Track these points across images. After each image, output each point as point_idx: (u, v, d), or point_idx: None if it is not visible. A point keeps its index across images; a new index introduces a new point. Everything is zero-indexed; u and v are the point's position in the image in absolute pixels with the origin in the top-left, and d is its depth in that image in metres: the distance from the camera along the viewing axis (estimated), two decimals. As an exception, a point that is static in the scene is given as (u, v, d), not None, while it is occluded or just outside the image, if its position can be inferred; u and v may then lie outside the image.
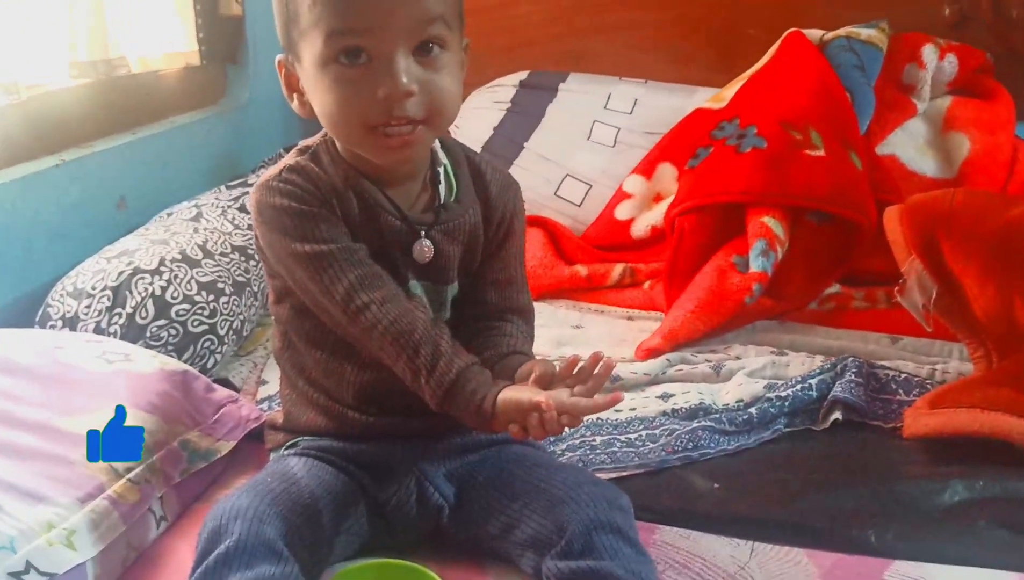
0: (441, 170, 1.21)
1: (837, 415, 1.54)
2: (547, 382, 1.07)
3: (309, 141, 1.21)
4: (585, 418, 1.45)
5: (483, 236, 1.25)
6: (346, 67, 1.08)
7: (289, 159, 1.19)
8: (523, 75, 2.70)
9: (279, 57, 1.17)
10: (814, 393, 1.58)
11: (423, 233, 1.18)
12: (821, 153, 2.05)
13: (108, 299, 1.63)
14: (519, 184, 1.31)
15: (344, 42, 1.07)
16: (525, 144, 2.52)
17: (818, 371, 1.64)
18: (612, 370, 1.08)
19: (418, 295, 1.20)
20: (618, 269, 2.20)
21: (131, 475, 1.23)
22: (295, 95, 1.19)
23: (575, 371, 1.07)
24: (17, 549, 1.06)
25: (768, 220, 1.94)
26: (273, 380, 1.68)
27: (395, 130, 1.09)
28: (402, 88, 1.07)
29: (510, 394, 1.06)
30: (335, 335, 1.20)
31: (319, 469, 1.18)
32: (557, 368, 1.08)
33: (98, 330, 1.61)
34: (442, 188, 1.21)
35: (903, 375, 1.64)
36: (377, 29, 1.06)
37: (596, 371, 1.06)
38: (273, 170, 1.17)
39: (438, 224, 1.19)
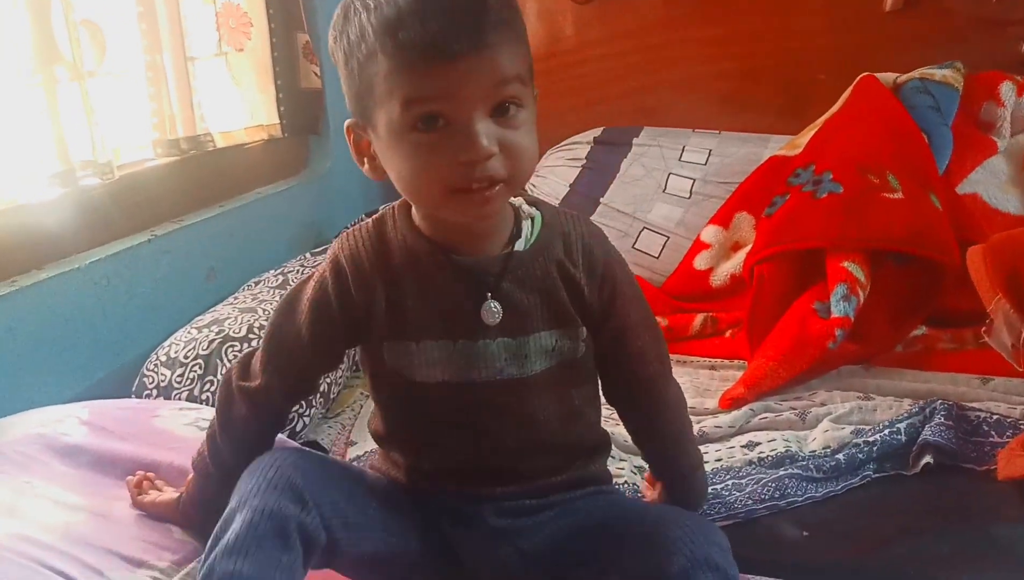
0: (528, 223, 1.19)
1: (928, 459, 1.51)
2: None
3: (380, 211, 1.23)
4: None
5: (576, 290, 1.21)
6: (424, 133, 1.07)
7: (357, 232, 1.22)
8: (597, 132, 2.73)
9: (348, 122, 1.17)
10: (903, 437, 1.55)
11: (489, 295, 1.17)
12: (899, 196, 2.03)
13: (200, 367, 1.68)
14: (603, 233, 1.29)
15: (421, 109, 1.06)
16: (601, 199, 2.55)
17: (906, 415, 1.62)
18: None
19: (492, 353, 1.18)
20: (699, 319, 2.20)
21: (226, 538, 1.26)
22: (366, 159, 1.18)
23: None
24: (120, 612, 1.09)
25: (848, 265, 1.93)
26: (361, 442, 1.70)
27: (478, 189, 1.09)
28: (483, 151, 1.06)
29: None
30: (401, 396, 1.21)
31: (396, 513, 1.19)
32: None
33: (191, 398, 1.66)
34: (520, 241, 1.18)
35: (995, 416, 1.61)
36: (454, 95, 1.05)
37: None
38: (344, 240, 1.21)
39: (507, 272, 1.17)
